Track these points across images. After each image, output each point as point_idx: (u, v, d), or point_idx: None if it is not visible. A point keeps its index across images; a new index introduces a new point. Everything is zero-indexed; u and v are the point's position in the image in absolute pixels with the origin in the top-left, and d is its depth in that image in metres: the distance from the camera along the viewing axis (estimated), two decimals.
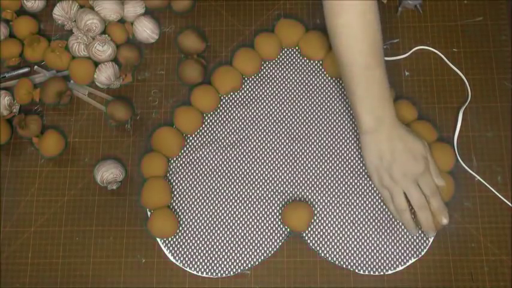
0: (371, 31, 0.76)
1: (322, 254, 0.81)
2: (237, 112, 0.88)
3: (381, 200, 0.82)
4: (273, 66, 0.91)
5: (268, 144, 0.86)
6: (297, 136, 0.86)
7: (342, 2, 0.75)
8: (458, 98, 0.88)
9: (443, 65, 0.89)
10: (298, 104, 0.88)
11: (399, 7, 0.91)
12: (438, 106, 0.88)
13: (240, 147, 0.86)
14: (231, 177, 0.85)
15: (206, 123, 0.88)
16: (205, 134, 0.87)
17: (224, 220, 0.83)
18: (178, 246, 0.82)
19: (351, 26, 0.75)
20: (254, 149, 0.86)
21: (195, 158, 0.86)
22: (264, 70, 0.90)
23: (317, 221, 0.82)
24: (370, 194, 0.83)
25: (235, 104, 0.89)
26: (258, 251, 0.81)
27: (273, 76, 0.90)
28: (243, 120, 0.88)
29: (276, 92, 0.89)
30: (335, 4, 0.76)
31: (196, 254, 0.82)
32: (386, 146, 0.76)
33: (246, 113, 0.88)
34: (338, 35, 0.76)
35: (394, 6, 0.93)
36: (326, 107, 0.88)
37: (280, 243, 0.82)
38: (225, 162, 0.86)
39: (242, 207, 0.83)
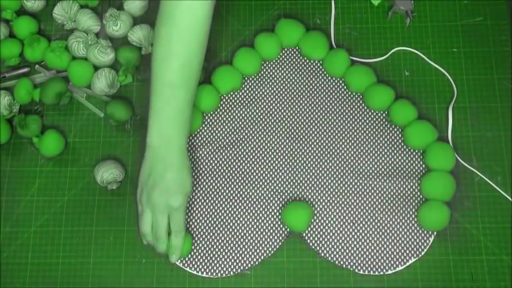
0: (189, 51, 0.75)
1: (322, 254, 0.81)
2: (237, 112, 0.88)
3: (376, 200, 0.82)
4: (273, 66, 0.90)
5: (268, 144, 0.86)
6: (297, 136, 0.86)
7: (171, 14, 0.73)
8: (458, 97, 0.88)
9: (428, 65, 0.90)
10: (298, 104, 0.88)
11: (389, 12, 0.91)
12: (438, 106, 0.88)
13: (240, 147, 0.86)
14: (231, 177, 0.85)
15: (206, 123, 0.88)
16: (205, 134, 0.87)
17: (224, 220, 0.83)
18: None
19: (170, 39, 0.74)
20: (254, 149, 0.86)
21: (195, 158, 0.86)
22: (264, 70, 0.90)
23: (317, 221, 0.82)
24: (370, 194, 0.83)
25: (235, 104, 0.89)
26: (258, 251, 0.81)
27: (273, 76, 0.90)
28: (243, 120, 0.88)
29: (276, 92, 0.89)
30: (164, 13, 0.74)
31: (196, 254, 0.82)
32: (160, 166, 0.76)
33: (246, 113, 0.88)
34: (157, 43, 0.75)
35: (388, 6, 0.92)
36: (326, 107, 0.88)
37: (280, 243, 0.82)
38: (225, 162, 0.86)
39: (242, 207, 0.83)
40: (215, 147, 0.86)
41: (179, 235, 0.77)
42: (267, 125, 0.87)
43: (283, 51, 0.91)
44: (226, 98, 0.89)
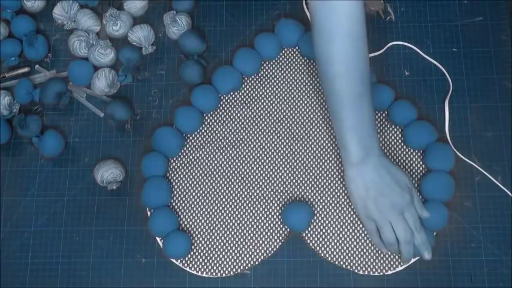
0: (362, 58, 0.74)
1: (322, 254, 0.81)
2: (237, 112, 0.88)
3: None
4: (273, 66, 0.90)
5: (268, 144, 0.86)
6: (297, 136, 0.86)
7: (332, 29, 0.72)
8: (458, 96, 0.88)
9: (428, 64, 0.90)
10: (298, 104, 0.88)
11: None
12: (438, 106, 0.87)
13: (240, 147, 0.86)
14: (231, 177, 0.85)
15: (206, 123, 0.88)
16: (205, 134, 0.87)
17: (224, 220, 0.83)
18: None
19: (345, 52, 0.73)
20: (254, 149, 0.86)
21: (195, 158, 0.86)
22: (264, 70, 0.90)
23: (317, 221, 0.82)
24: None
25: (235, 104, 0.89)
26: (258, 251, 0.81)
27: (273, 76, 0.90)
28: (243, 120, 0.88)
29: (276, 92, 0.89)
30: (325, 31, 0.73)
31: (196, 254, 0.82)
32: (373, 176, 0.75)
33: (246, 113, 0.88)
34: (330, 62, 0.74)
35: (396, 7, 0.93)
36: (326, 107, 0.88)
37: (280, 243, 0.82)
38: (225, 162, 0.86)
39: (242, 207, 0.83)
40: (215, 147, 0.86)
41: (420, 232, 0.76)
42: (267, 125, 0.87)
43: (283, 51, 0.91)
44: (226, 98, 0.89)
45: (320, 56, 0.75)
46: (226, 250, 0.81)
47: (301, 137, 0.86)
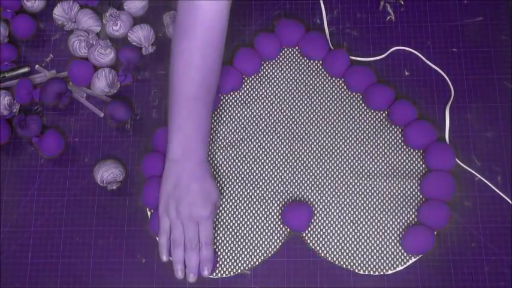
0: (210, 62, 0.75)
1: (322, 254, 0.81)
2: (237, 112, 0.88)
3: (376, 200, 0.82)
4: (273, 66, 0.91)
5: (268, 144, 0.86)
6: (297, 136, 0.86)
7: (188, 28, 0.74)
8: (458, 97, 0.88)
9: (428, 64, 0.90)
10: (298, 104, 0.88)
11: (381, 1, 0.91)
12: (438, 106, 0.88)
13: (240, 147, 0.86)
14: (231, 177, 0.85)
15: None
16: None
17: (224, 220, 0.83)
18: None
19: (191, 52, 0.74)
20: (254, 149, 0.86)
21: None
22: (264, 70, 0.90)
23: (317, 221, 0.82)
24: (370, 194, 0.83)
25: (235, 104, 0.89)
26: (258, 251, 0.81)
27: (273, 76, 0.90)
28: (243, 120, 0.88)
29: (276, 92, 0.89)
30: (181, 28, 0.74)
31: None
32: (184, 179, 0.76)
33: (246, 113, 0.88)
34: (176, 58, 0.75)
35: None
36: (326, 107, 0.88)
37: (280, 243, 0.82)
38: (225, 162, 0.86)
39: (242, 207, 0.83)
40: (215, 147, 0.86)
41: (209, 247, 0.77)
42: (267, 125, 0.87)
43: (283, 51, 0.91)
44: (226, 98, 0.89)
45: (171, 52, 0.77)
46: (226, 250, 0.81)
47: (301, 137, 0.86)
